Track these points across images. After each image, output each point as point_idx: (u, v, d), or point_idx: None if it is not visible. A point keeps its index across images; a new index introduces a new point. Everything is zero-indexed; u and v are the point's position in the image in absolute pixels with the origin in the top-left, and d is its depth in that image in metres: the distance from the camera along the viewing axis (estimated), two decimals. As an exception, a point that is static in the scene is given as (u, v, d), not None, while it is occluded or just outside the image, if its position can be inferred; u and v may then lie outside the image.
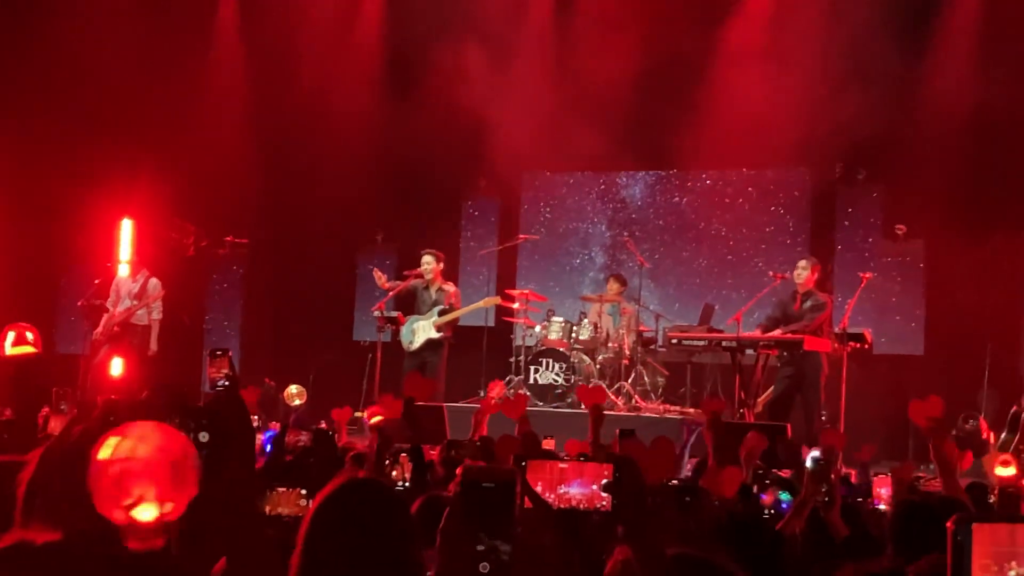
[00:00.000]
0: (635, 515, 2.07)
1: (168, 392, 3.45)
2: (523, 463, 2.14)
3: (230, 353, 3.23)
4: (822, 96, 12.33)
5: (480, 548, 1.91)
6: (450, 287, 11.71)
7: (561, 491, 2.15)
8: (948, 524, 1.54)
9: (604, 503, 2.13)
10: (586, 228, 14.74)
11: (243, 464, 1.96)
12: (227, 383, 3.18)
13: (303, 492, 3.69)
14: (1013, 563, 1.51)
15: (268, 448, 5.43)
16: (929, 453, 4.70)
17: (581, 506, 2.15)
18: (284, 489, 3.71)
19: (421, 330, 11.52)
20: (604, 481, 2.12)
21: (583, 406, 10.62)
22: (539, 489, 2.14)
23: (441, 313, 11.48)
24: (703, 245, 14.10)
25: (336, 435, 5.99)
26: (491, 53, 13.55)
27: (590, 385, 11.65)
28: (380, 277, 11.80)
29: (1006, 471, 3.80)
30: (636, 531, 2.08)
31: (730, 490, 3.80)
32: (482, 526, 1.92)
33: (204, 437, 1.90)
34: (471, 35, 13.56)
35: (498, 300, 12.13)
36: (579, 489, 2.15)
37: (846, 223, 13.28)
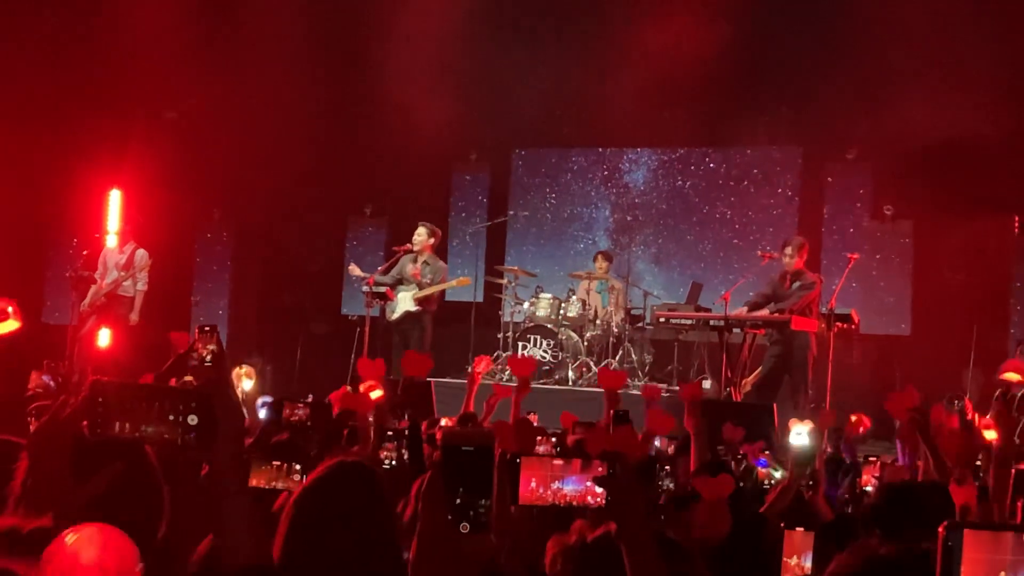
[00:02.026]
0: (628, 510, 2.09)
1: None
2: (517, 459, 2.16)
3: (218, 329, 3.23)
4: (816, 74, 12.35)
5: (459, 502, 1.95)
6: (439, 263, 11.74)
7: (555, 487, 2.17)
8: (940, 529, 1.55)
9: (599, 499, 2.15)
10: (588, 210, 14.70)
11: (229, 444, 1.97)
12: (212, 359, 3.18)
13: (297, 467, 3.73)
14: (1002, 573, 1.52)
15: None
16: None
17: (575, 502, 2.16)
18: (279, 463, 3.75)
19: (402, 301, 11.57)
20: (596, 476, 2.14)
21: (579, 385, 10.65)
22: (533, 485, 2.15)
23: (421, 286, 11.53)
24: (708, 228, 14.08)
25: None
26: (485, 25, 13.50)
27: (577, 362, 11.69)
28: (355, 270, 11.87)
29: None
30: (629, 526, 2.10)
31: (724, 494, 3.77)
32: (462, 488, 1.96)
33: (193, 420, 1.90)
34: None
35: (468, 281, 12.10)
36: (574, 485, 2.17)
37: (834, 203, 13.29)
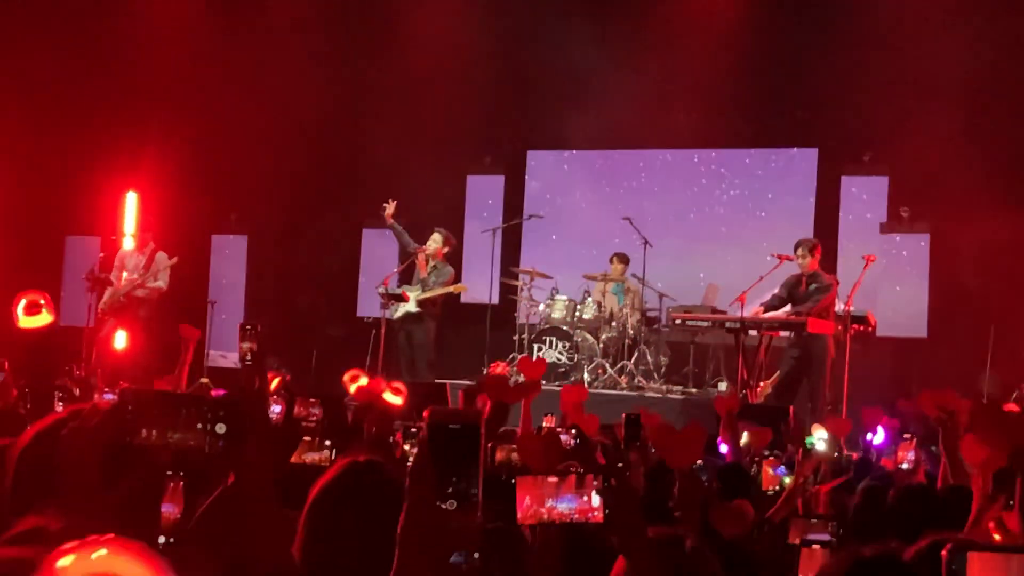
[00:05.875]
0: (628, 524, 2.10)
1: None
2: (512, 479, 2.17)
3: (259, 328, 3.22)
4: (832, 77, 12.34)
5: (449, 489, 1.97)
6: (446, 267, 11.78)
7: (550, 505, 2.17)
8: (943, 552, 1.53)
9: (596, 514, 2.15)
10: (604, 213, 14.63)
11: (257, 452, 1.98)
12: (251, 358, 3.20)
13: (327, 443, 3.78)
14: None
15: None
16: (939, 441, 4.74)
17: (572, 519, 2.17)
18: (309, 439, 3.82)
19: (408, 302, 11.66)
20: (596, 488, 2.14)
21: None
22: (528, 503, 2.16)
23: (425, 288, 11.61)
24: (709, 229, 14.01)
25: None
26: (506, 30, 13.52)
27: (592, 364, 11.69)
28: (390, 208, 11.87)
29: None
30: (630, 539, 2.11)
31: (741, 527, 3.74)
32: (449, 466, 1.98)
33: (221, 429, 1.92)
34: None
35: (465, 288, 12.09)
36: (569, 503, 2.17)
37: (851, 205, 13.26)
